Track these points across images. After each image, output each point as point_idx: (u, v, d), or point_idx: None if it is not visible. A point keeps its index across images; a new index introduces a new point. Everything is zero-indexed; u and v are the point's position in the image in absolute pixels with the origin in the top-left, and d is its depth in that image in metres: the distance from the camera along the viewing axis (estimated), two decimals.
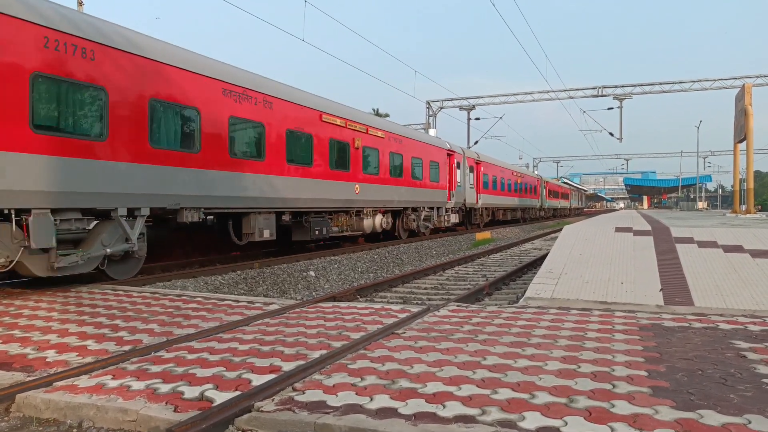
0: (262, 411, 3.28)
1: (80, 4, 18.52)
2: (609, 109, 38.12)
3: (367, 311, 6.41)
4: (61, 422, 3.52)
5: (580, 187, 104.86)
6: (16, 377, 4.09)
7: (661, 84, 35.41)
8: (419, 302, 9.02)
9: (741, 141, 22.94)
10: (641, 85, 35.73)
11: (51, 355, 4.64)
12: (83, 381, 3.93)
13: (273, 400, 3.46)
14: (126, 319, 6.03)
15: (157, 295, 7.56)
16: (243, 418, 3.24)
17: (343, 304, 7.01)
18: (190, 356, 4.52)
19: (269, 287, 10.60)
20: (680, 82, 35.07)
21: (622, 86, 36.27)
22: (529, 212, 45.90)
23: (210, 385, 3.78)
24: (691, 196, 77.65)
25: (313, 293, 10.47)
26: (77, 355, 4.62)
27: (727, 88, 33.57)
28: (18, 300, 7.22)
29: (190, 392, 3.66)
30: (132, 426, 3.37)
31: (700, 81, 34.63)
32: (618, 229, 12.02)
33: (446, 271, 13.14)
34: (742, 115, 21.88)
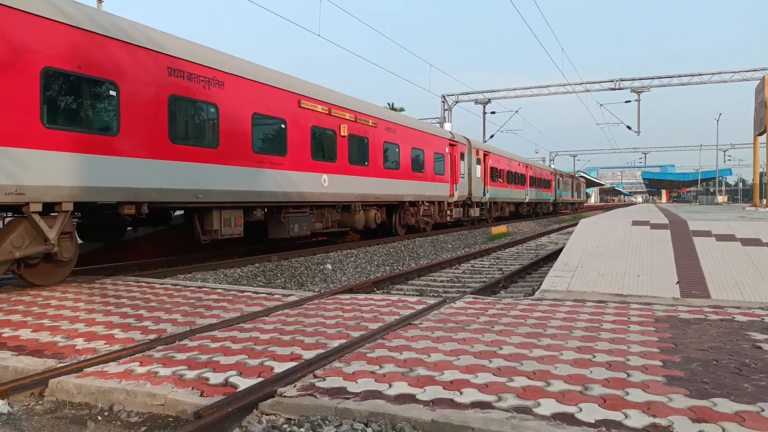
0: (284, 396, 3.40)
1: (99, 1, 18.80)
2: (626, 102, 37.81)
3: (384, 303, 6.51)
4: (93, 406, 3.67)
5: (594, 179, 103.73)
6: (48, 363, 4.25)
7: (679, 76, 35.00)
8: (435, 294, 9.10)
9: (761, 134, 22.64)
10: (659, 78, 35.35)
11: (80, 343, 4.80)
12: (112, 367, 4.08)
13: (295, 386, 3.57)
14: (150, 309, 6.20)
15: (178, 287, 7.73)
16: (267, 403, 3.35)
17: (360, 296, 7.11)
18: (213, 345, 4.66)
19: (287, 279, 10.75)
20: (699, 74, 34.63)
21: (640, 79, 35.92)
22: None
23: (234, 372, 3.90)
24: (711, 190, 76.68)
25: (331, 285, 10.60)
26: (105, 343, 4.77)
27: (747, 80, 33.08)
28: (45, 291, 7.43)
29: (215, 378, 3.79)
30: (160, 409, 3.51)
31: (720, 73, 34.17)
32: (635, 223, 11.99)
33: (462, 265, 13.20)
34: (762, 108, 21.57)
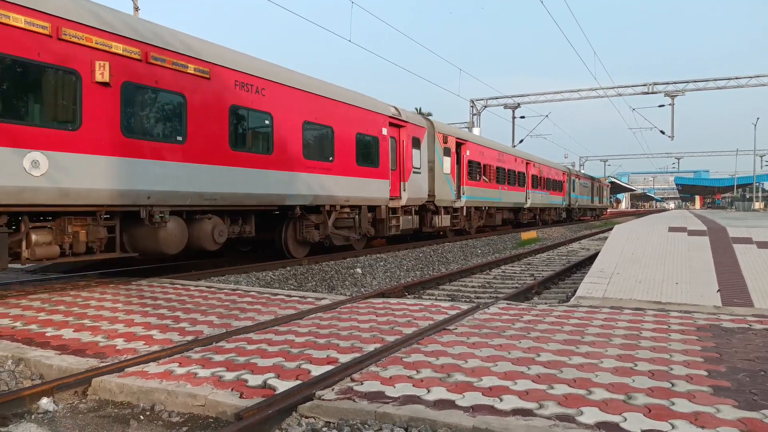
0: (323, 399, 3.40)
1: (136, 9, 19.22)
2: (660, 106, 37.06)
3: (417, 307, 6.49)
4: (135, 405, 3.73)
5: (625, 185, 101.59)
6: (91, 363, 4.33)
7: (715, 80, 34.24)
8: (468, 300, 9.04)
9: None
10: (694, 81, 34.63)
11: (120, 343, 4.89)
12: (152, 368, 4.15)
13: (333, 389, 3.58)
14: (186, 311, 6.28)
15: (213, 289, 7.83)
16: (306, 406, 3.36)
17: (392, 300, 7.10)
18: (249, 347, 4.69)
19: (318, 283, 10.80)
20: (736, 78, 33.82)
21: (674, 82, 35.24)
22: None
23: (271, 374, 3.93)
24: (748, 196, 74.70)
25: (362, 289, 10.61)
26: (144, 344, 4.85)
27: None
28: (84, 291, 7.60)
29: (254, 380, 3.82)
30: (201, 410, 3.55)
31: (759, 77, 33.30)
32: (671, 229, 11.74)
33: (493, 270, 13.09)
34: None
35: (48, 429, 3.45)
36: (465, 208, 21.36)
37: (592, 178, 51.63)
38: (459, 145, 20.78)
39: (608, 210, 65.80)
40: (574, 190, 41.62)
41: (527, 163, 30.18)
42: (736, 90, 35.69)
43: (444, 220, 19.31)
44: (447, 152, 19.59)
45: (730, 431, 2.91)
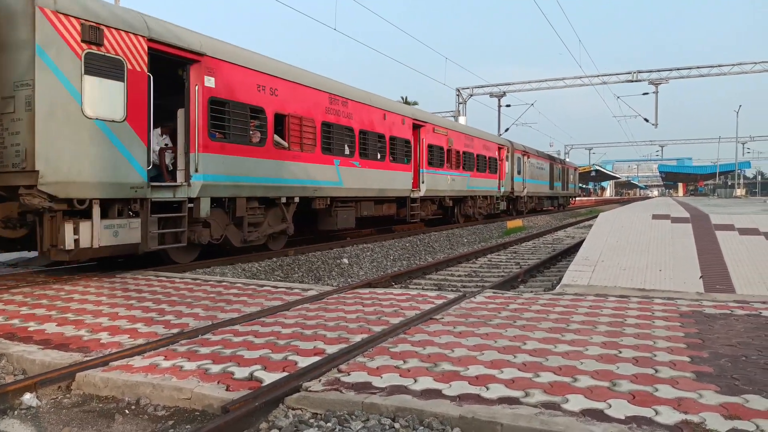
0: (310, 391, 3.40)
1: None
2: (644, 94, 37.34)
3: (403, 297, 6.50)
4: (120, 399, 3.70)
5: (610, 172, 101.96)
6: (74, 357, 4.29)
7: (698, 68, 34.50)
8: (454, 289, 9.07)
9: None
10: (678, 69, 34.88)
11: (104, 337, 4.84)
12: (137, 361, 4.11)
13: (320, 380, 3.57)
14: (171, 303, 6.23)
15: (198, 281, 7.77)
16: (293, 398, 3.35)
17: (379, 290, 7.10)
18: (236, 339, 4.67)
19: (304, 274, 10.77)
20: (719, 66, 34.12)
21: (658, 71, 35.49)
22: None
23: (258, 366, 3.91)
24: (729, 183, 75.68)
25: (348, 280, 10.61)
26: (129, 337, 4.81)
27: None
28: (67, 285, 7.50)
29: (240, 372, 3.80)
30: (187, 403, 3.52)
31: (740, 64, 33.63)
32: (655, 217, 11.85)
33: (479, 259, 13.14)
34: None
35: (32, 425, 3.41)
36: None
37: (552, 158, 39.06)
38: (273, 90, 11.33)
39: (575, 199, 51.85)
40: (519, 173, 29.64)
41: (419, 127, 18.02)
42: (719, 78, 36.01)
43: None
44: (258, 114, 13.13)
45: (713, 416, 2.95)
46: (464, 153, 22.03)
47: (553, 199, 39.48)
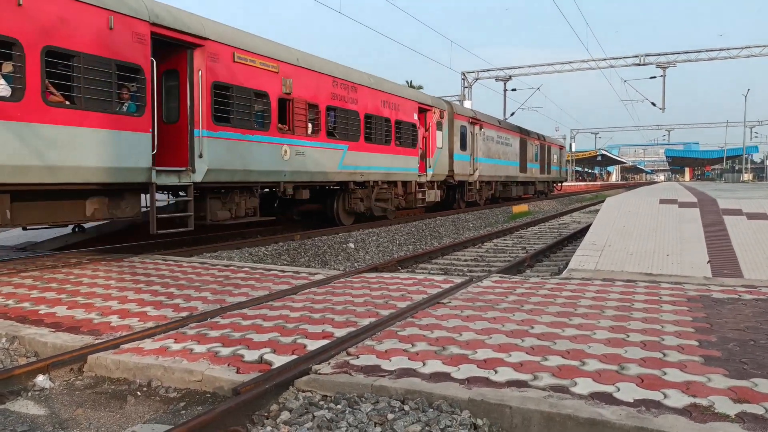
0: (320, 373, 3.42)
1: None
2: (651, 78, 37.00)
3: (410, 281, 6.52)
4: (131, 381, 3.74)
5: (616, 157, 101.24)
6: (86, 340, 4.33)
7: (707, 51, 34.13)
8: (461, 273, 9.09)
9: None
10: (686, 53, 34.51)
11: (114, 320, 4.88)
12: (148, 344, 4.15)
13: (329, 363, 3.60)
14: (179, 287, 6.27)
15: (206, 265, 7.81)
16: (302, 380, 3.38)
17: (386, 275, 7.12)
18: (244, 322, 4.70)
19: (311, 258, 10.81)
20: (728, 49, 33.73)
21: (666, 54, 35.09)
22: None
23: (267, 349, 3.94)
24: (737, 168, 75.18)
25: (355, 264, 10.64)
26: (139, 320, 4.85)
27: None
28: (76, 269, 7.55)
29: (250, 355, 3.83)
30: (198, 385, 3.56)
31: (749, 47, 33.23)
32: (662, 201, 11.81)
33: (485, 244, 13.15)
34: None
35: (45, 406, 3.46)
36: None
37: (524, 132, 29.86)
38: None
39: (561, 184, 41.83)
40: (464, 148, 21.09)
41: (190, 48, 9.66)
42: (727, 62, 35.58)
43: None
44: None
45: (721, 400, 2.96)
46: (333, 109, 13.42)
47: (526, 185, 31.19)
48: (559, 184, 40.83)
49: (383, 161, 15.67)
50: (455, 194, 21.99)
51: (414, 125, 17.25)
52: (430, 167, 18.40)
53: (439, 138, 19.07)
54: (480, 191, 23.67)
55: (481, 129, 23.16)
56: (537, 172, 32.56)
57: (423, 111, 18.10)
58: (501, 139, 25.99)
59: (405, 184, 17.20)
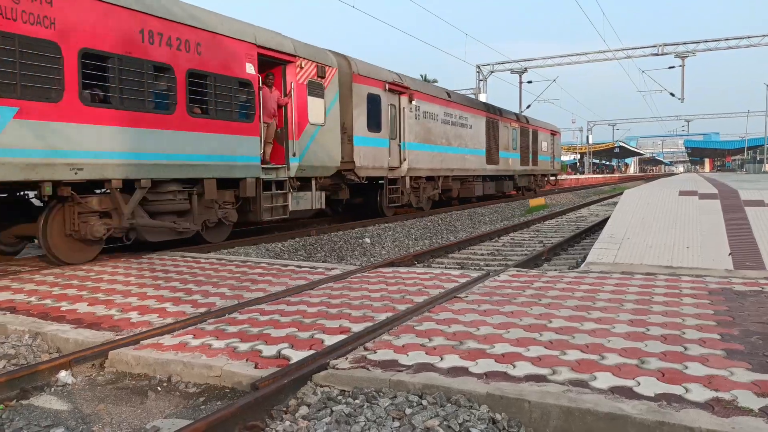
0: (338, 368, 3.43)
1: None
2: (670, 68, 36.47)
3: (427, 276, 6.50)
4: (152, 377, 3.78)
5: (634, 148, 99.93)
6: (106, 336, 4.39)
7: (727, 40, 33.55)
8: (477, 268, 9.05)
9: None
10: (705, 42, 33.97)
11: (134, 316, 4.94)
12: (167, 340, 4.19)
13: (347, 358, 3.60)
14: (198, 283, 6.33)
15: (223, 261, 7.87)
16: (320, 375, 3.39)
17: (402, 269, 7.12)
18: (262, 318, 4.73)
19: (327, 253, 10.84)
20: (748, 37, 33.11)
21: (685, 43, 34.57)
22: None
23: (285, 345, 3.96)
24: (758, 158, 73.86)
25: (371, 259, 10.65)
26: (158, 316, 4.90)
27: None
28: (96, 266, 7.66)
29: (268, 351, 3.85)
30: (217, 381, 3.59)
31: None
32: (682, 193, 11.65)
33: (501, 238, 13.08)
34: None
35: (68, 401, 3.51)
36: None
37: (493, 111, 22.89)
38: None
39: (555, 178, 35.13)
40: (376, 128, 14.48)
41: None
42: (748, 50, 34.93)
43: None
44: None
45: (744, 393, 2.91)
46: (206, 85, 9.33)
47: (500, 181, 23.83)
48: (553, 178, 33.64)
49: (159, 143, 8.53)
50: (376, 196, 15.47)
51: (247, 83, 10.12)
52: (294, 155, 11.36)
53: (317, 109, 12.06)
54: (417, 191, 17.00)
55: (411, 102, 16.18)
56: (516, 164, 25.10)
57: (274, 62, 11.13)
58: (452, 119, 18.90)
59: (227, 183, 10.06)
